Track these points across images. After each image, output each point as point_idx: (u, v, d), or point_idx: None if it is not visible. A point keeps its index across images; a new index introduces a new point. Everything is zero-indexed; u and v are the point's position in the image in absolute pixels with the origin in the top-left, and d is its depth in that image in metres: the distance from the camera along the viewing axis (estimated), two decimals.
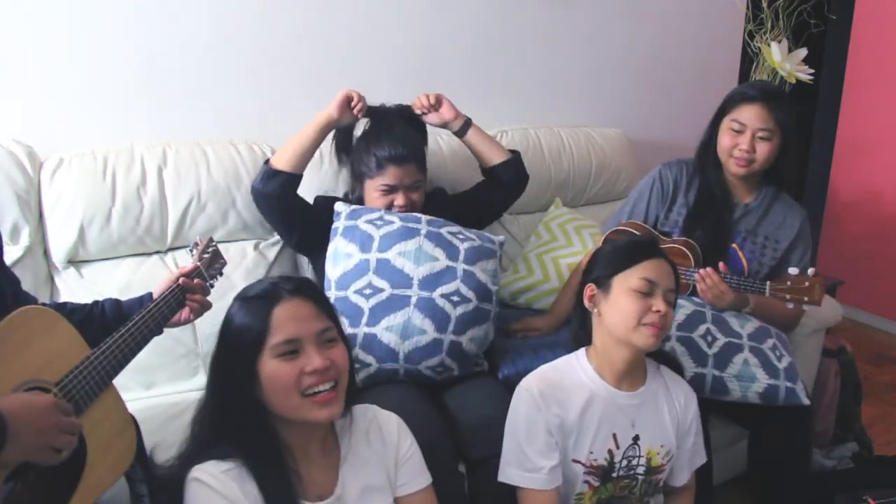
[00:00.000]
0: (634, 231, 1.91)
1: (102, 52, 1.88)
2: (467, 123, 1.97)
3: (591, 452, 1.39)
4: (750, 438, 1.86)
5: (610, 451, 1.40)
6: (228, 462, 1.08)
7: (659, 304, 1.36)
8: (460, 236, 1.72)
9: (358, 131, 1.92)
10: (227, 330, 1.13)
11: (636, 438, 1.42)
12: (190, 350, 1.78)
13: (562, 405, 1.37)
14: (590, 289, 1.44)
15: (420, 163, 1.82)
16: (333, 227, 1.74)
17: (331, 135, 1.88)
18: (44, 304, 1.28)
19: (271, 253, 1.95)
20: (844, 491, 1.83)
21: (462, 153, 2.06)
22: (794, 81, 2.58)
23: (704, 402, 1.55)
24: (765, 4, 2.56)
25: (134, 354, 1.21)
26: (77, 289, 1.74)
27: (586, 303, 1.45)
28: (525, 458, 1.36)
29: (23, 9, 1.77)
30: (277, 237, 1.96)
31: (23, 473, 0.96)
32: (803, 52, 2.58)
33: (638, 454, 1.43)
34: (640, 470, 1.44)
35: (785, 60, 2.54)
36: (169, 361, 1.75)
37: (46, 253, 1.76)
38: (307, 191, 1.94)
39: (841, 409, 2.33)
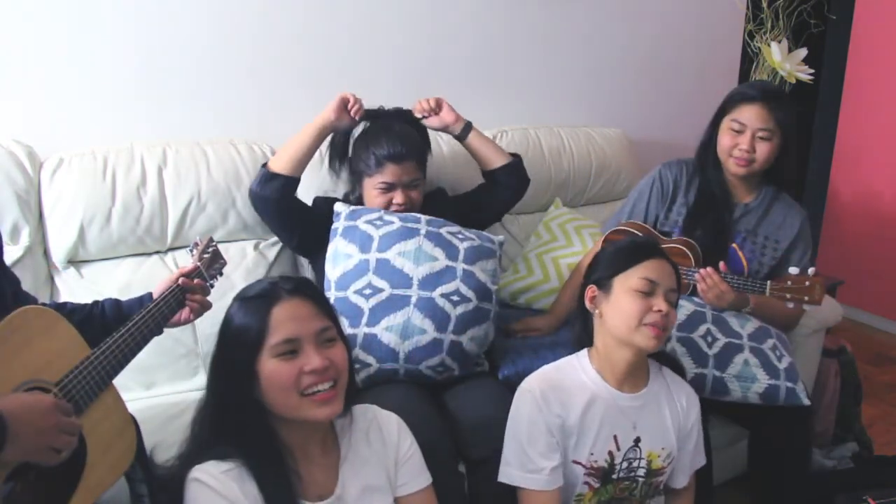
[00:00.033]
0: (634, 231, 1.91)
1: (102, 52, 1.88)
2: (468, 127, 1.97)
3: (592, 454, 1.39)
4: (750, 438, 1.86)
5: (610, 453, 1.40)
6: (228, 462, 1.08)
7: (660, 303, 1.35)
8: (460, 236, 1.72)
9: (355, 135, 1.91)
10: (227, 330, 1.13)
11: (637, 440, 1.42)
12: (190, 350, 1.78)
13: (563, 406, 1.37)
14: (591, 290, 1.44)
15: (418, 161, 1.82)
16: (333, 227, 1.74)
17: (329, 138, 1.88)
18: (44, 304, 1.28)
19: (271, 253, 1.95)
20: (844, 491, 1.83)
21: (462, 154, 2.06)
22: (794, 81, 2.58)
23: (704, 402, 1.55)
24: (765, 4, 2.56)
25: (134, 354, 1.21)
26: (77, 289, 1.74)
27: (587, 304, 1.44)
28: (526, 458, 1.36)
29: (23, 9, 1.77)
30: (277, 237, 1.96)
31: (23, 473, 0.96)
32: (803, 52, 2.58)
33: (639, 456, 1.42)
34: (641, 472, 1.44)
35: (785, 60, 2.54)
36: (169, 361, 1.75)
37: (46, 253, 1.76)
38: (307, 191, 1.94)
39: (841, 409, 2.33)
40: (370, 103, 1.90)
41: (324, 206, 1.83)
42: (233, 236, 1.94)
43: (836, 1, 3.29)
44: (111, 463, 1.11)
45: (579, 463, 1.39)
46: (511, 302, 2.16)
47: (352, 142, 1.90)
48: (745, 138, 1.82)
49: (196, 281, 1.44)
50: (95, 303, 1.40)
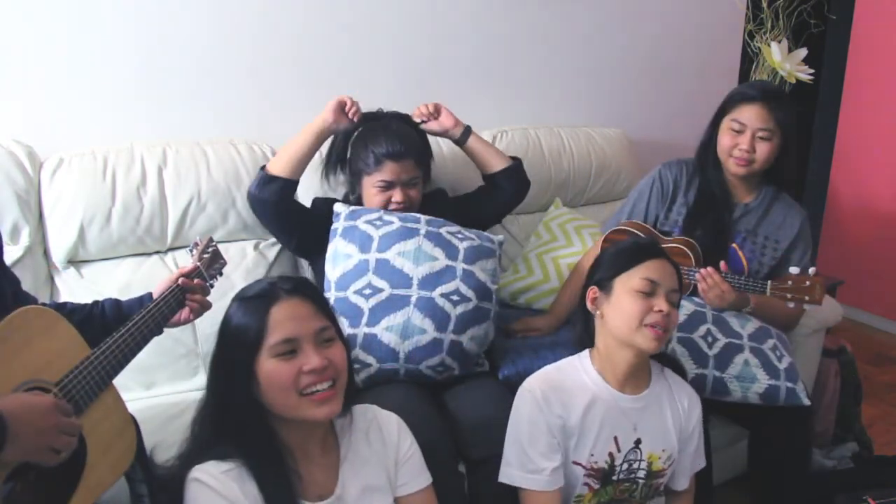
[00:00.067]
0: (634, 231, 1.91)
1: (102, 52, 1.88)
2: (467, 131, 1.97)
3: (592, 455, 1.39)
4: (750, 438, 1.86)
5: (611, 454, 1.40)
6: (228, 462, 1.08)
7: (661, 304, 1.35)
8: (459, 236, 1.72)
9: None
10: (226, 330, 1.13)
11: (638, 442, 1.41)
12: (190, 350, 1.78)
13: (564, 406, 1.37)
14: (592, 291, 1.44)
15: (417, 159, 1.82)
16: (333, 227, 1.74)
17: (329, 142, 1.88)
18: (44, 304, 1.28)
19: (271, 253, 1.95)
20: (844, 491, 1.83)
21: (463, 155, 2.06)
22: (794, 81, 2.59)
23: (705, 402, 1.54)
24: (765, 4, 2.56)
25: (134, 354, 1.21)
26: (77, 289, 1.74)
27: (589, 305, 1.44)
28: (527, 459, 1.35)
29: (23, 9, 1.77)
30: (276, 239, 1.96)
31: (23, 473, 0.96)
32: (803, 52, 2.58)
33: (639, 458, 1.42)
34: (641, 474, 1.43)
35: (785, 60, 2.54)
36: (169, 361, 1.75)
37: (46, 253, 1.76)
38: (306, 192, 1.95)
39: (841, 409, 2.33)
40: (370, 104, 1.90)
41: (323, 207, 1.83)
42: (233, 236, 1.94)
43: (836, 1, 3.29)
44: (111, 463, 1.11)
45: (579, 464, 1.39)
46: (511, 302, 2.16)
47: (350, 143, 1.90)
48: (745, 138, 1.82)
49: (196, 281, 1.44)
50: (95, 303, 1.40)
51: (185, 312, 1.42)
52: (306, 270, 1.98)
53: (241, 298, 1.14)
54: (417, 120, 1.94)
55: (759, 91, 1.83)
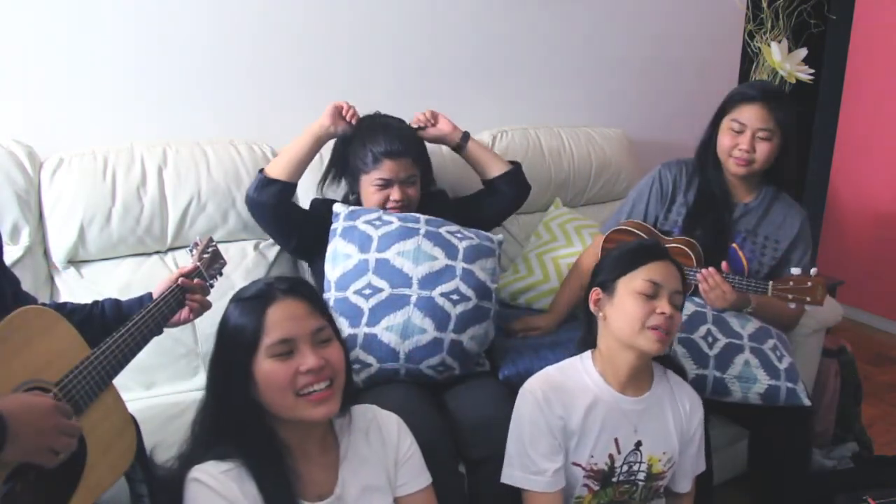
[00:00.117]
0: (635, 230, 1.90)
1: (102, 52, 1.87)
2: (465, 137, 1.97)
3: (592, 456, 1.39)
4: (750, 438, 1.86)
5: (611, 456, 1.40)
6: (228, 462, 1.08)
7: (664, 306, 1.34)
8: (459, 235, 1.72)
9: None
10: (223, 331, 1.14)
11: (638, 444, 1.41)
12: (190, 350, 1.78)
13: (565, 408, 1.37)
14: (595, 293, 1.43)
15: (415, 157, 1.82)
16: (332, 227, 1.74)
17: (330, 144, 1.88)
18: (44, 304, 1.28)
19: (271, 253, 1.95)
20: (844, 491, 1.83)
21: None
22: (794, 81, 2.58)
23: (705, 402, 1.54)
24: (765, 4, 2.56)
25: (134, 354, 1.21)
26: (77, 289, 1.74)
27: (592, 307, 1.44)
28: (529, 460, 1.35)
29: (23, 9, 1.77)
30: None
31: (23, 473, 0.96)
32: (803, 52, 2.58)
33: (639, 460, 1.42)
34: (641, 476, 1.43)
35: (785, 60, 2.54)
36: (169, 361, 1.75)
37: (46, 253, 1.76)
38: (306, 192, 1.95)
39: (841, 409, 2.33)
40: (369, 104, 1.90)
41: (322, 208, 1.84)
42: (233, 236, 1.94)
43: (836, 1, 3.29)
44: (111, 463, 1.11)
45: (579, 465, 1.39)
46: (511, 302, 2.16)
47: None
48: (745, 138, 1.82)
49: (196, 281, 1.44)
50: (95, 303, 1.40)
51: (184, 312, 1.42)
52: (306, 271, 1.98)
53: (239, 299, 1.14)
54: (415, 126, 1.94)
55: (759, 91, 1.83)
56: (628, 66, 2.77)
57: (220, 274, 1.60)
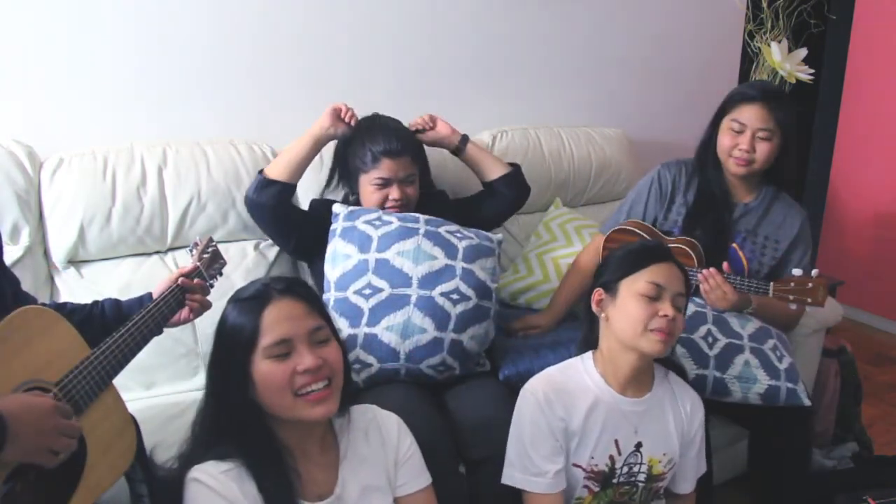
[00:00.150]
0: (637, 230, 1.90)
1: (102, 52, 1.88)
2: (464, 140, 1.97)
3: (593, 458, 1.38)
4: (750, 438, 1.86)
5: (611, 457, 1.40)
6: (228, 462, 1.08)
7: (666, 308, 1.34)
8: (458, 235, 1.72)
9: None
10: (221, 332, 1.14)
11: (638, 445, 1.41)
12: (190, 350, 1.78)
13: (566, 409, 1.36)
14: (598, 293, 1.43)
15: (414, 156, 1.83)
16: (332, 228, 1.74)
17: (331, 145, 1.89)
18: (44, 304, 1.28)
19: (271, 253, 1.95)
20: (844, 491, 1.83)
21: None
22: (794, 81, 2.58)
23: (705, 402, 1.54)
24: (765, 4, 2.56)
25: (134, 354, 1.21)
26: (77, 289, 1.74)
27: (594, 307, 1.43)
28: (530, 462, 1.35)
29: (23, 9, 1.77)
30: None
31: (23, 473, 0.96)
32: (803, 52, 2.58)
33: (640, 461, 1.42)
34: (641, 477, 1.43)
35: (785, 60, 2.54)
36: (169, 361, 1.75)
37: (46, 253, 1.76)
38: (305, 193, 1.95)
39: (841, 409, 2.33)
40: (369, 104, 1.90)
41: (321, 209, 1.84)
42: (233, 236, 1.94)
43: (836, 1, 3.29)
44: (111, 463, 1.11)
45: (579, 466, 1.38)
46: (511, 302, 2.17)
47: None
48: (745, 138, 1.82)
49: (196, 281, 1.44)
50: (95, 303, 1.40)
51: (184, 312, 1.42)
52: (306, 271, 1.98)
53: (236, 300, 1.15)
54: (414, 129, 1.94)
55: (759, 91, 1.83)
56: (628, 66, 2.77)
57: (220, 274, 1.60)
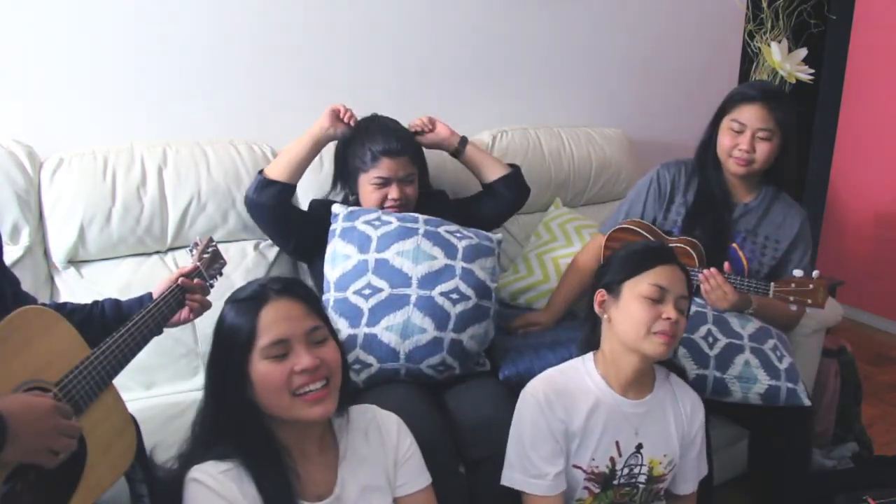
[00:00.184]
0: (638, 230, 1.90)
1: (102, 52, 1.88)
2: (463, 142, 1.97)
3: (593, 459, 1.38)
4: (750, 438, 1.86)
5: (612, 459, 1.39)
6: (227, 462, 1.08)
7: (669, 311, 1.33)
8: (458, 234, 1.72)
9: None
10: (219, 332, 1.14)
11: (639, 447, 1.41)
12: (190, 350, 1.78)
13: (567, 411, 1.36)
14: (600, 294, 1.42)
15: (413, 156, 1.83)
16: (331, 228, 1.74)
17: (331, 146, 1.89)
18: (44, 304, 1.28)
19: (271, 253, 1.95)
20: (844, 491, 1.83)
21: None
22: (794, 81, 2.58)
23: (705, 402, 1.54)
24: (765, 4, 2.56)
25: (134, 354, 1.21)
26: (77, 289, 1.74)
27: (596, 308, 1.43)
28: (530, 463, 1.35)
29: (23, 9, 1.77)
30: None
31: (23, 473, 0.96)
32: (803, 52, 2.58)
33: (640, 462, 1.42)
34: (642, 478, 1.43)
35: (785, 60, 2.54)
36: (169, 361, 1.75)
37: (46, 253, 1.76)
38: (305, 193, 1.95)
39: (841, 409, 2.33)
40: (369, 104, 1.90)
41: (321, 209, 1.84)
42: (233, 236, 1.94)
43: (836, 1, 3.29)
44: (111, 463, 1.11)
45: (580, 467, 1.38)
46: (511, 302, 2.17)
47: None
48: (744, 138, 1.82)
49: (196, 281, 1.44)
50: (95, 303, 1.40)
51: (184, 312, 1.42)
52: (305, 272, 1.98)
53: (233, 300, 1.15)
54: (413, 131, 1.94)
55: (759, 91, 1.83)
56: (628, 66, 2.77)
57: (220, 274, 1.60)
